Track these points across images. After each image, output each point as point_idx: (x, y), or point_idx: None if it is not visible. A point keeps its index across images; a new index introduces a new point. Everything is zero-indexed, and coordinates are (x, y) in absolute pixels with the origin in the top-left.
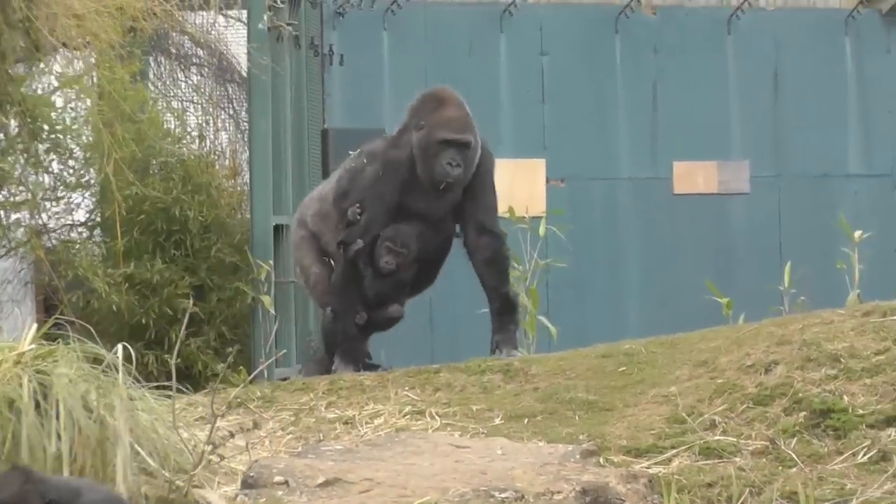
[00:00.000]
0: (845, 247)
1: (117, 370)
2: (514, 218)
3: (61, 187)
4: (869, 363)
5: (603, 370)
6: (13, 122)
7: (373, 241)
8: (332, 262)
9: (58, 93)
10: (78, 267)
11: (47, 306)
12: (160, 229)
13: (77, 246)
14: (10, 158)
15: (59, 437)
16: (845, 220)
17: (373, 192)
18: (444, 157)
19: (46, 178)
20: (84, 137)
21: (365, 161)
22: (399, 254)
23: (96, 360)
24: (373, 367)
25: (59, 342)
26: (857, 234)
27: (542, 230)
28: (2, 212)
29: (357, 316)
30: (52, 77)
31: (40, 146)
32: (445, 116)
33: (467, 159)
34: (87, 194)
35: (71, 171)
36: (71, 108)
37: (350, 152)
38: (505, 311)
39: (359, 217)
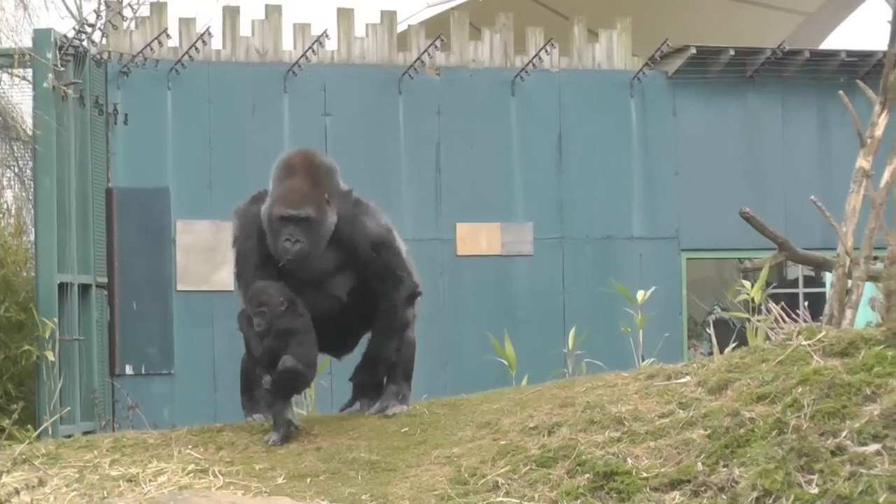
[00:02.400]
0: (630, 309)
1: None
2: None
3: None
4: (653, 426)
5: (385, 430)
6: None
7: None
8: None
9: None
10: None
11: None
12: None
13: None
14: None
15: None
16: (628, 281)
17: (239, 254)
18: (283, 234)
19: None
20: None
21: (235, 219)
22: (260, 313)
23: None
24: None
25: None
26: (640, 294)
27: None
28: None
29: (263, 380)
30: None
31: None
32: (286, 188)
33: (311, 232)
34: None
35: None
36: None
37: (131, 212)
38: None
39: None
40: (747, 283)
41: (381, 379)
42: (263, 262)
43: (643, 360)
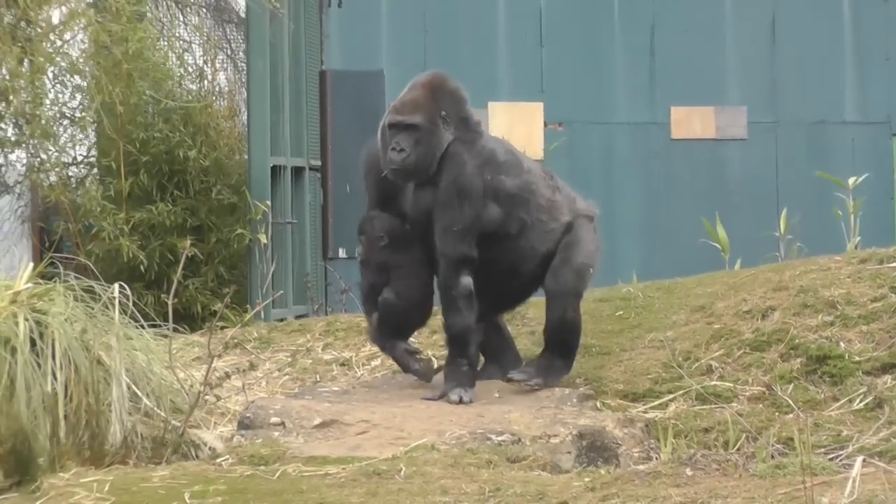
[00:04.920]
0: (841, 193)
1: (114, 309)
2: None
3: (63, 124)
4: (865, 310)
5: (600, 314)
6: (12, 60)
7: None
8: None
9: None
10: (89, 210)
11: (45, 246)
12: (163, 171)
13: (75, 185)
14: (11, 97)
15: (54, 376)
16: (840, 166)
17: (365, 186)
18: (391, 143)
19: (48, 113)
20: (87, 76)
21: (363, 152)
22: (359, 241)
23: (94, 301)
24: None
25: (56, 281)
26: (852, 180)
27: None
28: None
29: (371, 318)
30: (56, 12)
31: (46, 82)
32: (400, 99)
33: (419, 143)
34: (88, 132)
35: (71, 109)
36: (77, 43)
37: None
38: (447, 344)
39: None
40: None
41: (468, 360)
42: (383, 196)
43: (855, 244)
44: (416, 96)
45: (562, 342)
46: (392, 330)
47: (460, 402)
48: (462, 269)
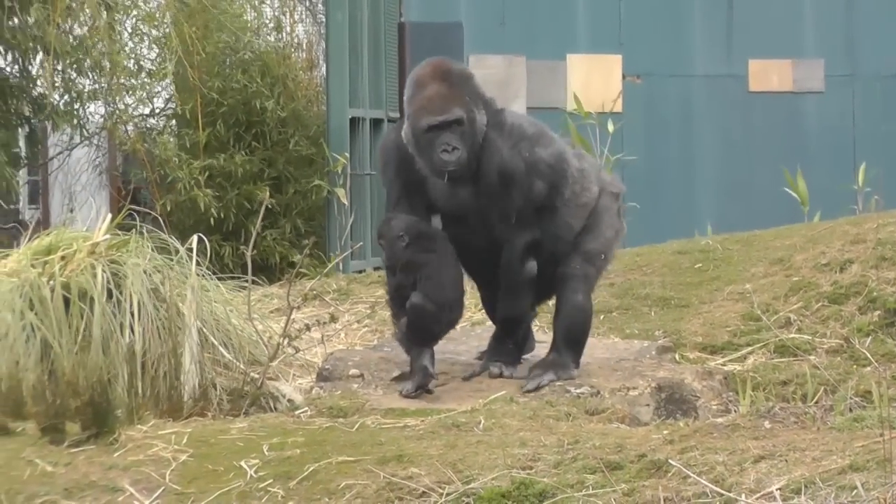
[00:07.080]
0: None
1: (191, 261)
2: (583, 114)
3: (141, 76)
4: None
5: (678, 266)
6: (88, 13)
7: None
8: None
9: None
10: (166, 161)
11: (123, 196)
12: (240, 121)
13: (154, 136)
14: (90, 49)
15: (131, 328)
16: None
17: (385, 185)
18: (437, 145)
19: (126, 65)
20: (165, 27)
21: (378, 151)
22: (381, 245)
23: (171, 252)
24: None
25: (133, 232)
26: None
27: (610, 127)
28: (77, 101)
29: (399, 322)
30: None
31: (123, 34)
32: (423, 99)
33: (465, 136)
34: (164, 83)
35: (150, 60)
36: None
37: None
38: (499, 325)
39: None
40: None
41: (514, 340)
42: (407, 192)
43: None
44: (439, 90)
45: (569, 331)
46: (422, 335)
47: (500, 375)
48: (527, 255)
